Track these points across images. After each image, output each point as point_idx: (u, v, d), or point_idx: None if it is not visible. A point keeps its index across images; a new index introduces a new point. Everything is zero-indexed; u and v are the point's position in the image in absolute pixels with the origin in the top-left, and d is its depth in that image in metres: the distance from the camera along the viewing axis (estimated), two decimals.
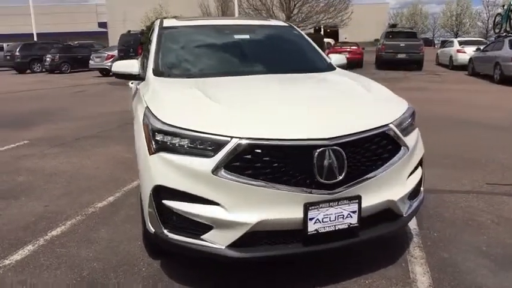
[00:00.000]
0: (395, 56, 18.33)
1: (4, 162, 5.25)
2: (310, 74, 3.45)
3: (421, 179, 2.71)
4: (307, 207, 2.13)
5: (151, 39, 3.68)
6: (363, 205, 2.25)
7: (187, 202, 2.19)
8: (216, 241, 2.18)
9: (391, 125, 2.40)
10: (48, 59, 21.52)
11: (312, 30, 22.62)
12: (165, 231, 2.27)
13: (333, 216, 2.20)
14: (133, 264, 2.73)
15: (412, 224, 3.22)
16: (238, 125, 2.21)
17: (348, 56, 20.42)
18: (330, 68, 3.67)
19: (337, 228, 2.21)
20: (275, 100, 2.63)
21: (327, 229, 2.20)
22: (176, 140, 2.22)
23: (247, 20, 4.65)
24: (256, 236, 2.18)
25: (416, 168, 2.63)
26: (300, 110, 2.43)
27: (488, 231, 3.11)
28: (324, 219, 2.18)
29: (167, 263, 2.71)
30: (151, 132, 2.32)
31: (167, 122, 2.29)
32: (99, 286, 2.51)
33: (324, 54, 3.85)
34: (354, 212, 2.23)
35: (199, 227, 2.19)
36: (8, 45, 25.17)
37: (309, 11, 20.56)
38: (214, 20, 4.10)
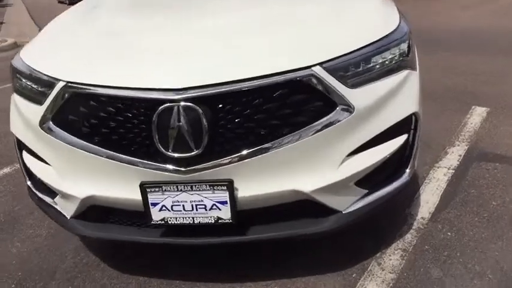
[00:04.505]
0: None
1: None
2: None
3: (400, 153, 1.67)
4: (144, 188, 1.48)
5: None
6: (242, 194, 1.47)
7: (33, 157, 1.77)
8: (63, 209, 1.75)
9: (314, 69, 1.42)
10: None
11: None
12: (29, 183, 1.93)
13: (189, 205, 1.49)
14: None
15: (425, 211, 2.18)
16: (76, 65, 1.58)
17: None
18: None
19: (196, 222, 1.52)
20: (181, 32, 1.74)
21: (181, 221, 1.52)
22: (24, 81, 1.74)
23: None
24: (102, 212, 1.67)
25: (388, 137, 1.60)
26: (190, 47, 1.55)
27: None
28: (175, 207, 1.50)
29: None
30: (11, 70, 1.87)
31: (22, 58, 1.81)
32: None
33: None
34: (222, 202, 1.47)
35: (50, 188, 1.77)
36: None
37: None
38: None
